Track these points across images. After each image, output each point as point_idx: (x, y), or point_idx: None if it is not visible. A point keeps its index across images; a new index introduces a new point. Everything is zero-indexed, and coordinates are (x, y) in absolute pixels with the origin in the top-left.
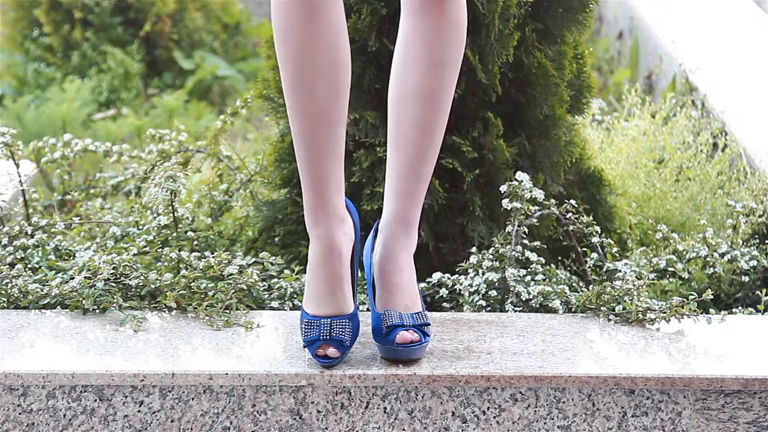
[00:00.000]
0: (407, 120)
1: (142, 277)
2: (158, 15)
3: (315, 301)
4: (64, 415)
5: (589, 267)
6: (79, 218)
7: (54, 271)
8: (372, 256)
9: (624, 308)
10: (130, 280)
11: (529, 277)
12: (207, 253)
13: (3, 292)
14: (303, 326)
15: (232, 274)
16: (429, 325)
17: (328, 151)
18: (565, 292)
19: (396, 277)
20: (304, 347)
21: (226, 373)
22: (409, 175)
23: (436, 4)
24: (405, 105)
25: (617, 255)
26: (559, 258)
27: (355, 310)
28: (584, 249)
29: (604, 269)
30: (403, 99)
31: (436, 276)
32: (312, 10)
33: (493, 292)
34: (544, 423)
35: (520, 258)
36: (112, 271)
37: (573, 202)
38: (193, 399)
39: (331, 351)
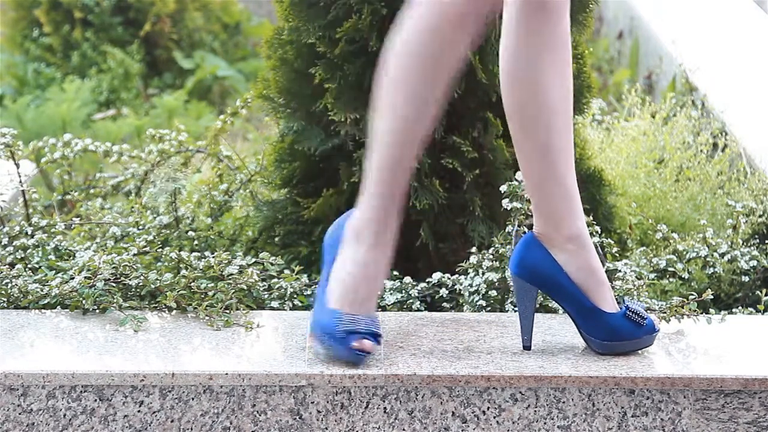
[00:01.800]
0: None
1: (142, 277)
2: (158, 15)
3: (354, 302)
4: (64, 415)
5: None
6: (79, 218)
7: (54, 271)
8: (563, 267)
9: None
10: (130, 280)
11: None
12: (207, 253)
13: (3, 292)
14: (344, 319)
15: (232, 274)
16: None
17: (411, 163)
18: None
19: (602, 273)
20: (333, 341)
21: (226, 373)
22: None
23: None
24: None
25: (617, 255)
26: None
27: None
28: None
29: (604, 269)
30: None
31: (436, 276)
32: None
33: (493, 292)
34: (544, 423)
35: None
36: (112, 271)
37: None
38: (193, 399)
39: (369, 344)
